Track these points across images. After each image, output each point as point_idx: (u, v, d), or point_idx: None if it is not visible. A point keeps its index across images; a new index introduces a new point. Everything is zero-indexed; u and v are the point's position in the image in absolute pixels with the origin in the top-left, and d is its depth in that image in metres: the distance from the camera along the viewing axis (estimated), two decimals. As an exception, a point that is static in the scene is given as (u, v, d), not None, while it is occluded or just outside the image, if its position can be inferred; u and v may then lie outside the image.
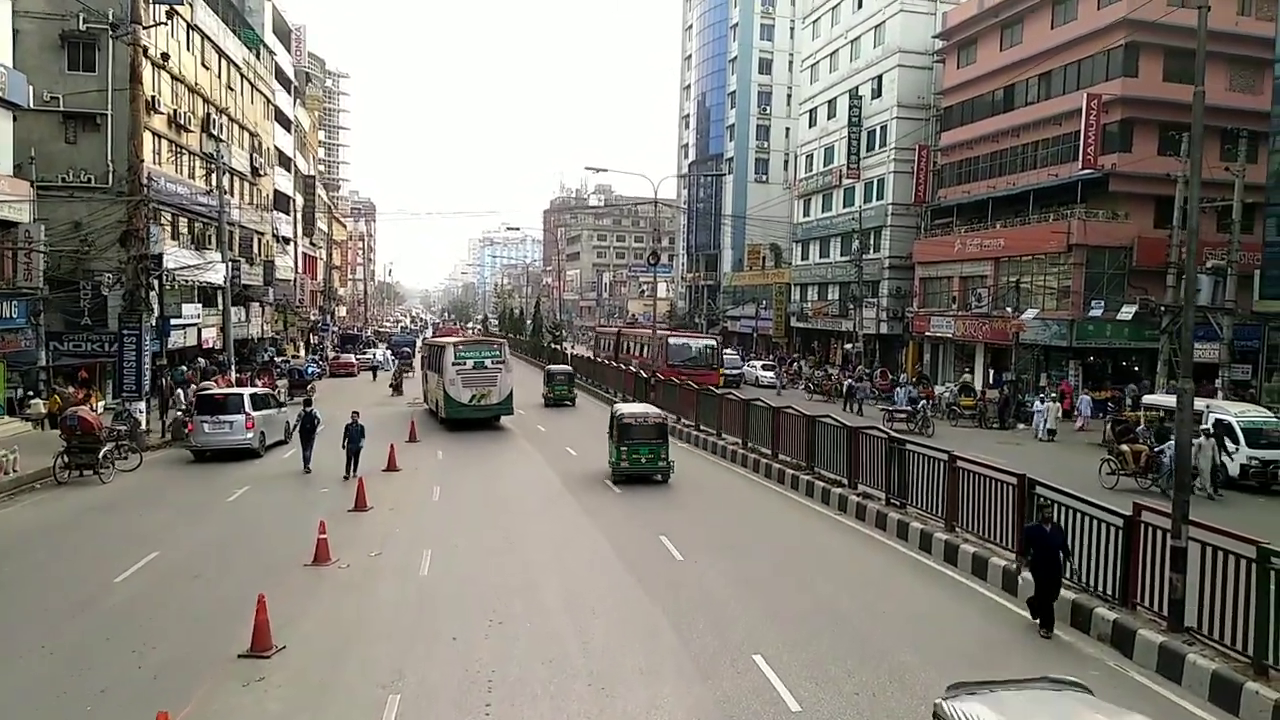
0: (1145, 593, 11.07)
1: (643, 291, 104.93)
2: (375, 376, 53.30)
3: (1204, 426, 21.83)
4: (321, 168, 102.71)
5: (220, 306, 38.32)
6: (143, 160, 27.87)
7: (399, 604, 12.49)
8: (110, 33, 28.71)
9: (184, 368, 37.60)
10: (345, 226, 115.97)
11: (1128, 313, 35.89)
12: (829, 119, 62.01)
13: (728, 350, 53.56)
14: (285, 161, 64.80)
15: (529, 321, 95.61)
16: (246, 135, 51.53)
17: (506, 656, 10.48)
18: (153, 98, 34.81)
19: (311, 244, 78.71)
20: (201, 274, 36.50)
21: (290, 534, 16.00)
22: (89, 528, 16.98)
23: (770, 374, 51.90)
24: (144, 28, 27.90)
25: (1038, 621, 11.44)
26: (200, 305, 41.55)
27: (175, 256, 34.99)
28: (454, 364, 30.76)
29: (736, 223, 75.51)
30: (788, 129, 75.89)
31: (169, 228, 36.93)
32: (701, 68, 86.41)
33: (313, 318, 76.84)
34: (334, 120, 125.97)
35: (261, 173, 54.57)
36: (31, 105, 30.63)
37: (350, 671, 10.09)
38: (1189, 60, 34.38)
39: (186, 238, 40.35)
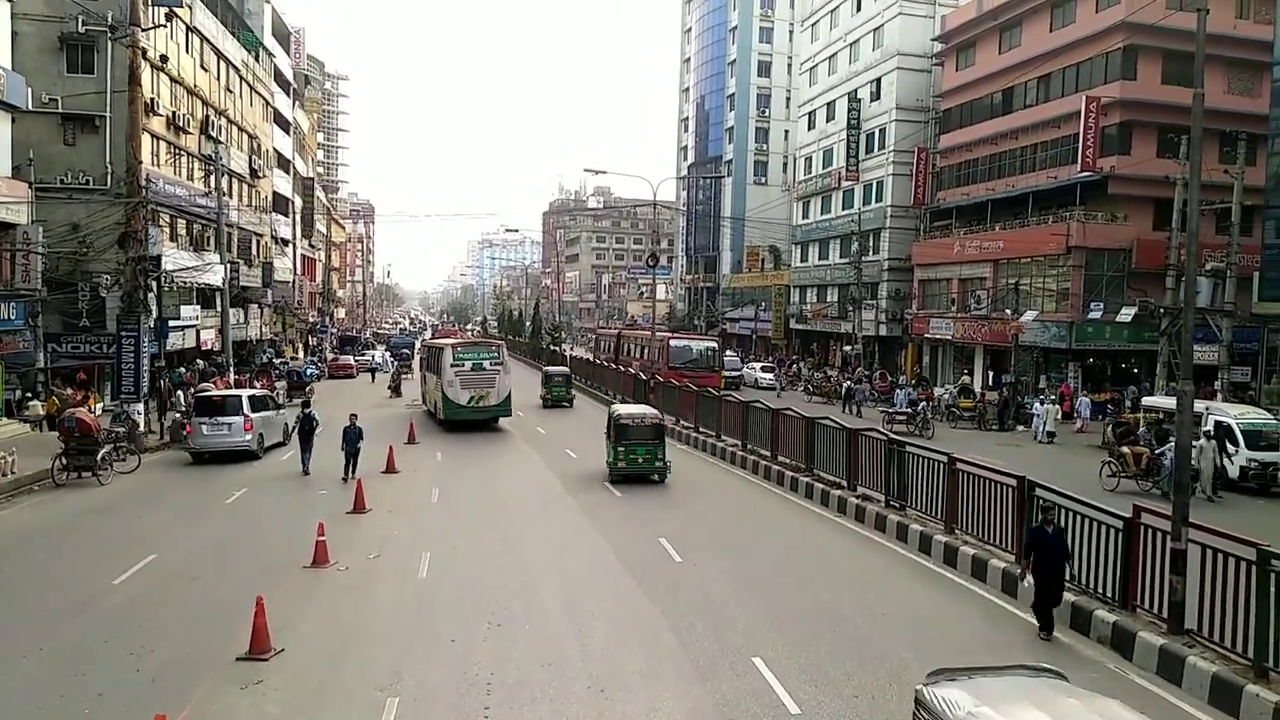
0: (1145, 595, 11.06)
1: (642, 293, 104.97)
2: (374, 378, 53.27)
3: (1205, 428, 21.83)
4: (320, 169, 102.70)
5: (219, 308, 38.32)
6: (141, 162, 27.86)
7: (397, 606, 12.46)
8: (109, 35, 28.73)
9: (182, 369, 37.58)
10: (344, 228, 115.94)
11: (1127, 315, 35.91)
12: (828, 121, 62.05)
13: (727, 352, 53.55)
14: (284, 163, 64.78)
15: (528, 323, 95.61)
16: (245, 137, 51.52)
17: (505, 659, 10.46)
18: (151, 100, 34.79)
19: (310, 246, 78.68)
20: (200, 275, 36.48)
21: (289, 536, 15.97)
22: (87, 529, 16.95)
23: (770, 376, 51.93)
24: (143, 30, 27.88)
25: (1038, 624, 11.41)
26: (199, 307, 41.52)
27: (174, 258, 34.97)
28: (452, 365, 30.79)
29: (735, 225, 75.53)
30: (787, 131, 75.95)
31: (167, 229, 36.92)
32: (700, 70, 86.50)
33: (311, 319, 76.80)
34: (333, 122, 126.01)
35: (260, 174, 54.56)
36: (30, 107, 30.61)
37: (348, 674, 10.07)
38: (1187, 63, 34.48)
39: (185, 239, 40.34)
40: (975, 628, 11.87)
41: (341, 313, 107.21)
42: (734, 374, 49.17)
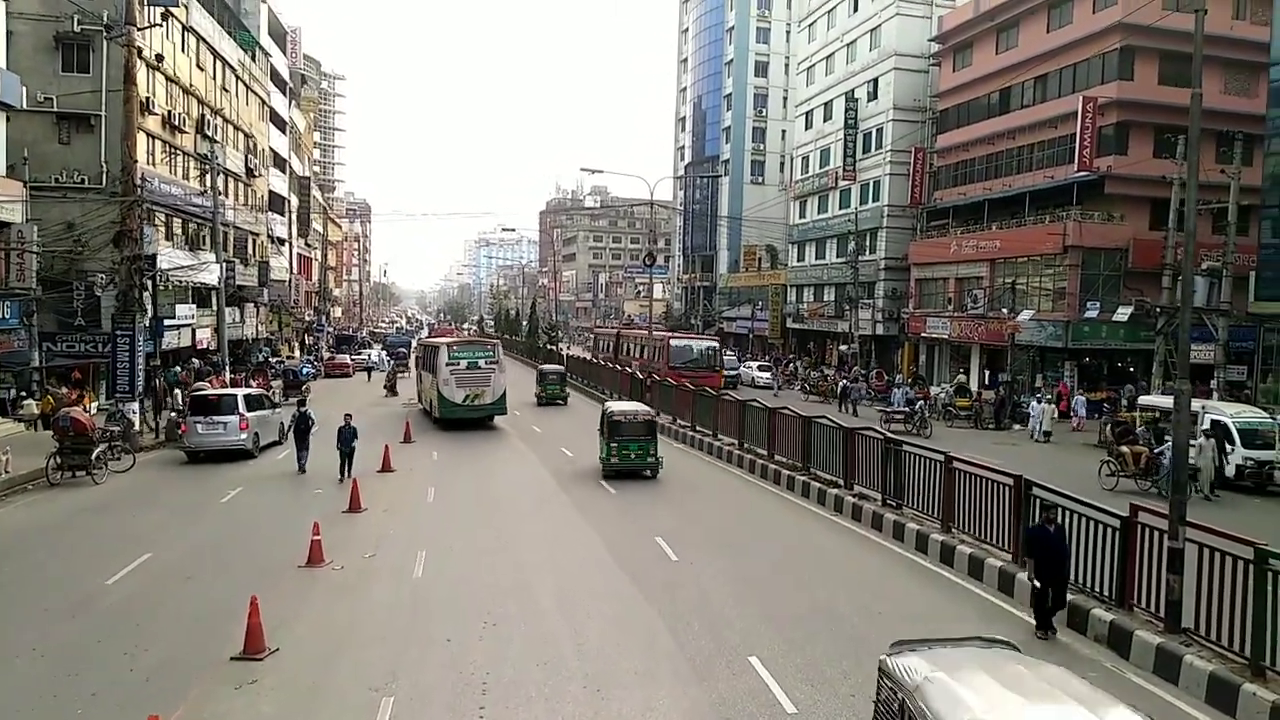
0: (1142, 594, 11.05)
1: (639, 292, 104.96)
2: (370, 377, 53.22)
3: (1203, 427, 21.84)
4: (317, 169, 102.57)
5: (215, 307, 38.25)
6: (136, 161, 27.79)
7: (393, 606, 12.42)
8: (104, 34, 28.58)
9: (178, 368, 37.50)
10: (340, 227, 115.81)
11: (1123, 314, 35.95)
12: (825, 121, 62.08)
13: (726, 351, 53.54)
14: (280, 163, 64.69)
15: (525, 323, 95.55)
16: (241, 136, 51.45)
17: (501, 658, 10.43)
18: (147, 99, 34.71)
19: (307, 245, 78.61)
20: (196, 274, 36.42)
21: (284, 535, 15.92)
22: (82, 529, 16.88)
23: (767, 375, 51.93)
24: (138, 29, 27.81)
25: (1035, 623, 11.40)
26: (195, 306, 41.46)
27: (169, 257, 34.89)
28: (448, 364, 30.81)
29: (732, 224, 75.58)
30: (784, 131, 76.00)
31: (163, 228, 36.82)
32: (698, 70, 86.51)
33: (308, 318, 76.74)
34: (329, 122, 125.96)
35: (256, 174, 54.47)
36: (25, 106, 30.55)
37: (343, 674, 10.03)
38: (1184, 64, 34.62)
39: (181, 238, 40.27)
40: (972, 627, 11.80)
41: (338, 312, 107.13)
42: (731, 373, 49.15)
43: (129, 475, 22.02)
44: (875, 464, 17.93)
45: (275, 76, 62.80)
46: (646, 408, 24.25)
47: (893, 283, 54.11)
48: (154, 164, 36.64)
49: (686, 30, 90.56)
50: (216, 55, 45.93)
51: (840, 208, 59.55)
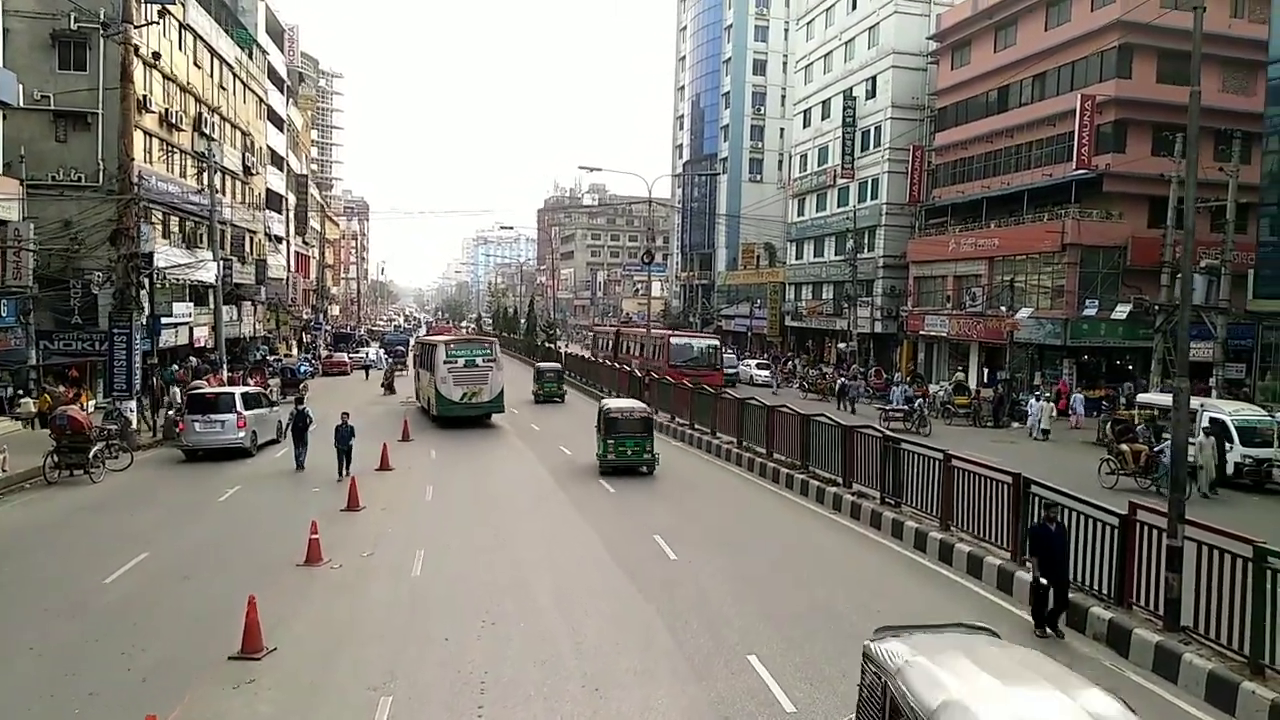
0: (1141, 592, 11.04)
1: (637, 290, 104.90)
2: (368, 375, 53.19)
3: (1203, 425, 21.84)
4: (314, 166, 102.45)
5: (212, 305, 38.17)
6: (133, 159, 27.72)
7: (391, 604, 12.40)
8: (101, 32, 28.50)
9: (175, 366, 37.44)
10: (338, 225, 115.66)
11: (1122, 312, 35.96)
12: (823, 119, 62.04)
13: (725, 350, 53.49)
14: (278, 160, 64.59)
15: (523, 321, 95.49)
16: (239, 134, 51.36)
17: (499, 657, 10.41)
18: (144, 97, 34.66)
19: (304, 243, 78.50)
20: (193, 272, 36.35)
21: (282, 534, 15.89)
22: (79, 528, 16.84)
23: (765, 373, 51.91)
24: (135, 27, 27.78)
25: (1034, 623, 11.37)
26: (192, 304, 41.40)
27: (166, 255, 34.82)
28: (445, 362, 30.81)
29: (731, 222, 75.53)
30: (782, 129, 75.95)
31: (160, 226, 36.75)
32: (696, 69, 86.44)
33: (305, 316, 76.63)
34: (327, 119, 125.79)
35: (254, 171, 54.38)
36: (21, 104, 30.43)
37: (341, 673, 10.00)
38: (1182, 62, 34.63)
39: (178, 236, 40.19)
40: (970, 625, 11.83)
41: (336, 310, 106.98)
42: (730, 371, 49.11)
43: (126, 474, 21.98)
44: (874, 462, 17.92)
45: (273, 74, 62.69)
46: (643, 405, 24.43)
47: (891, 281, 54.10)
48: (151, 162, 36.56)
49: (685, 28, 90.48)
50: (214, 53, 45.84)
51: (839, 206, 59.53)
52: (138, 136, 31.94)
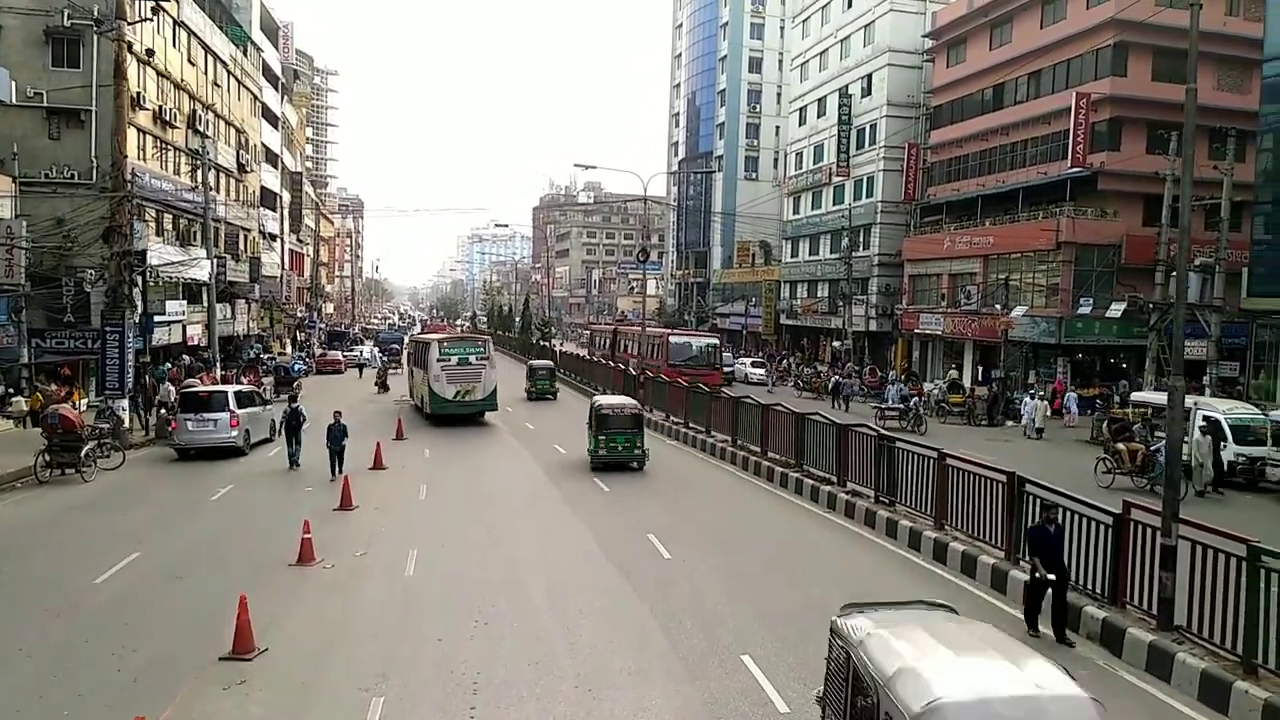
0: (1135, 591, 11.02)
1: (632, 289, 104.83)
2: (362, 374, 53.08)
3: (1199, 424, 21.85)
4: (309, 164, 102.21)
5: (206, 303, 38.02)
6: (126, 156, 27.56)
7: (384, 604, 12.35)
8: (95, 28, 28.36)
9: (168, 365, 37.31)
10: (333, 223, 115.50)
11: (1116, 310, 35.99)
12: (819, 117, 61.99)
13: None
14: (272, 158, 64.42)
15: (518, 319, 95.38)
16: (233, 132, 51.18)
17: (492, 657, 10.36)
18: (138, 94, 34.50)
19: (299, 240, 78.34)
20: (186, 270, 36.22)
21: (274, 533, 15.82)
22: (70, 527, 16.76)
23: (760, 371, 51.88)
24: (129, 24, 27.60)
25: (1026, 623, 11.34)
26: (185, 302, 41.24)
27: (160, 253, 34.69)
28: (439, 360, 30.82)
29: (726, 220, 75.45)
30: (778, 127, 75.86)
31: (153, 224, 36.61)
32: (691, 66, 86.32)
33: (299, 314, 76.46)
34: (322, 117, 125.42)
35: (248, 169, 54.21)
36: (14, 101, 30.35)
37: (333, 673, 9.96)
38: (1177, 60, 34.71)
39: (171, 234, 40.03)
40: (965, 624, 11.80)
41: (330, 308, 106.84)
42: (726, 370, 49.04)
43: (118, 473, 21.88)
44: (868, 461, 17.91)
45: (267, 72, 62.50)
46: (634, 401, 24.72)
47: (886, 279, 54.08)
48: (144, 159, 36.40)
49: (680, 26, 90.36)
50: (208, 50, 45.66)
51: (834, 204, 59.49)
52: (131, 134, 31.76)
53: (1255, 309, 33.55)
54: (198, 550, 15.11)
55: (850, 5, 58.01)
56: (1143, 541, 10.93)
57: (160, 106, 38.21)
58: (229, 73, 50.07)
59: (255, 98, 57.57)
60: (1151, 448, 21.72)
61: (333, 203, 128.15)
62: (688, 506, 18.96)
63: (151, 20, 35.20)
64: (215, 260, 37.00)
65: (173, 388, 29.87)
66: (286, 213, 70.00)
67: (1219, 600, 9.66)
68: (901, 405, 34.02)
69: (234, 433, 24.22)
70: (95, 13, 28.16)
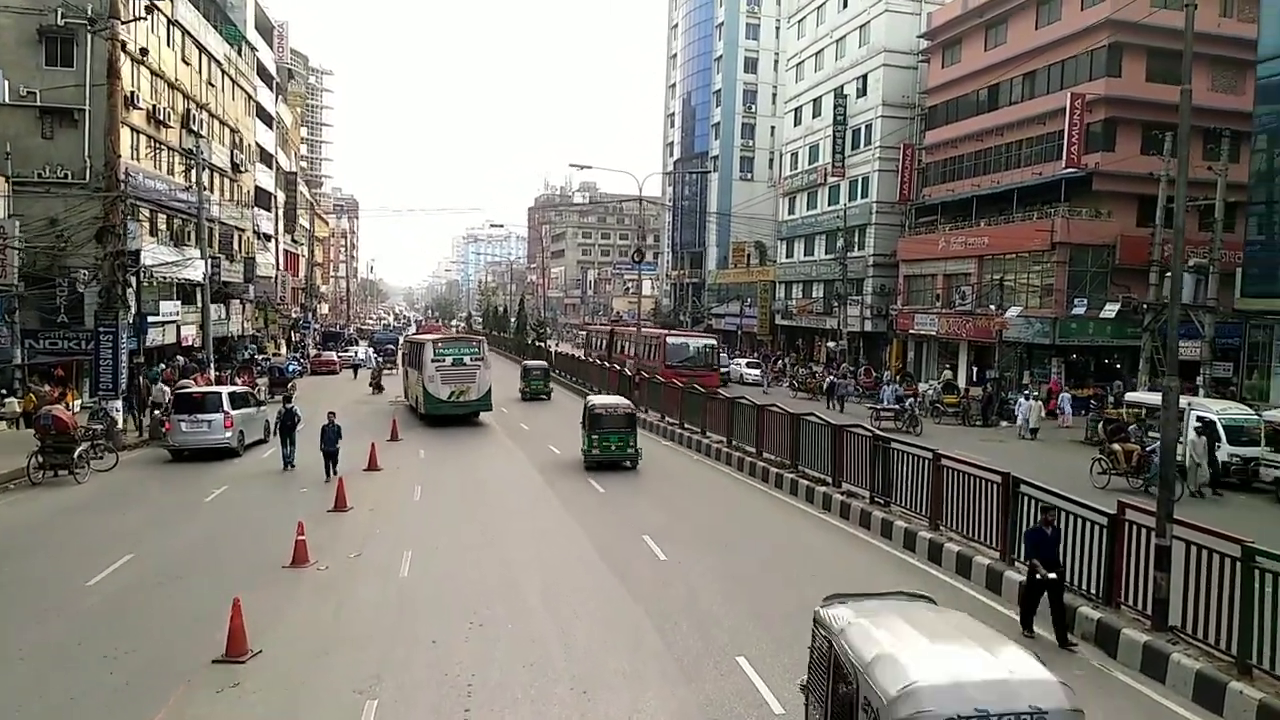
0: (1129, 592, 11.02)
1: (627, 289, 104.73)
2: (356, 374, 52.93)
3: (1194, 425, 21.87)
4: (304, 164, 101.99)
5: (200, 304, 37.93)
6: (120, 156, 27.51)
7: (378, 606, 12.31)
8: (88, 28, 28.29)
9: (162, 365, 37.20)
10: (328, 223, 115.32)
11: (1111, 310, 36.05)
12: (814, 118, 62.03)
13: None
14: (267, 158, 64.27)
15: (513, 319, 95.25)
16: (227, 131, 51.05)
17: (487, 659, 10.33)
18: (131, 93, 34.38)
19: (293, 241, 78.14)
20: (180, 271, 36.13)
21: (268, 535, 15.76)
22: (63, 529, 16.69)
23: (756, 372, 51.85)
24: (123, 23, 27.52)
25: (1020, 623, 11.34)
26: (179, 302, 41.13)
27: (153, 253, 34.53)
28: (433, 360, 30.80)
29: (721, 220, 75.46)
30: (773, 127, 75.89)
31: (147, 224, 36.48)
32: (687, 66, 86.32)
33: (294, 315, 76.27)
34: (316, 117, 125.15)
35: (242, 169, 54.08)
36: (7, 100, 30.24)
37: (327, 676, 9.92)
38: (1172, 61, 34.76)
39: (165, 234, 39.92)
40: (960, 625, 11.79)
41: (325, 308, 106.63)
42: (721, 370, 48.96)
43: (112, 474, 21.80)
44: (863, 461, 17.91)
45: (262, 71, 62.33)
46: (627, 401, 24.86)
47: (881, 279, 54.13)
48: (138, 159, 36.29)
49: (676, 26, 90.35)
50: (202, 49, 45.54)
51: (829, 204, 59.54)
52: (125, 133, 31.69)
53: (1249, 309, 33.63)
54: (191, 552, 15.06)
55: (845, 5, 58.06)
56: (1137, 542, 10.93)
57: (154, 106, 38.09)
58: (223, 72, 49.94)
59: (250, 97, 57.43)
60: (1147, 448, 21.75)
61: (328, 203, 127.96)
62: (683, 507, 18.94)
63: (145, 19, 35.11)
64: (209, 260, 36.91)
65: (166, 388, 29.80)
66: (281, 213, 69.80)
67: (1214, 601, 9.66)
68: (897, 406, 34.03)
69: (228, 434, 24.15)
70: (89, 12, 28.07)
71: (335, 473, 20.83)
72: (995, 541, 13.42)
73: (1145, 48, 38.24)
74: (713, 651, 10.60)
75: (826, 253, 58.45)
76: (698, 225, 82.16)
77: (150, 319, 33.76)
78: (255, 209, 58.53)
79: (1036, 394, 34.97)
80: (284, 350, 63.31)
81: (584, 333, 72.72)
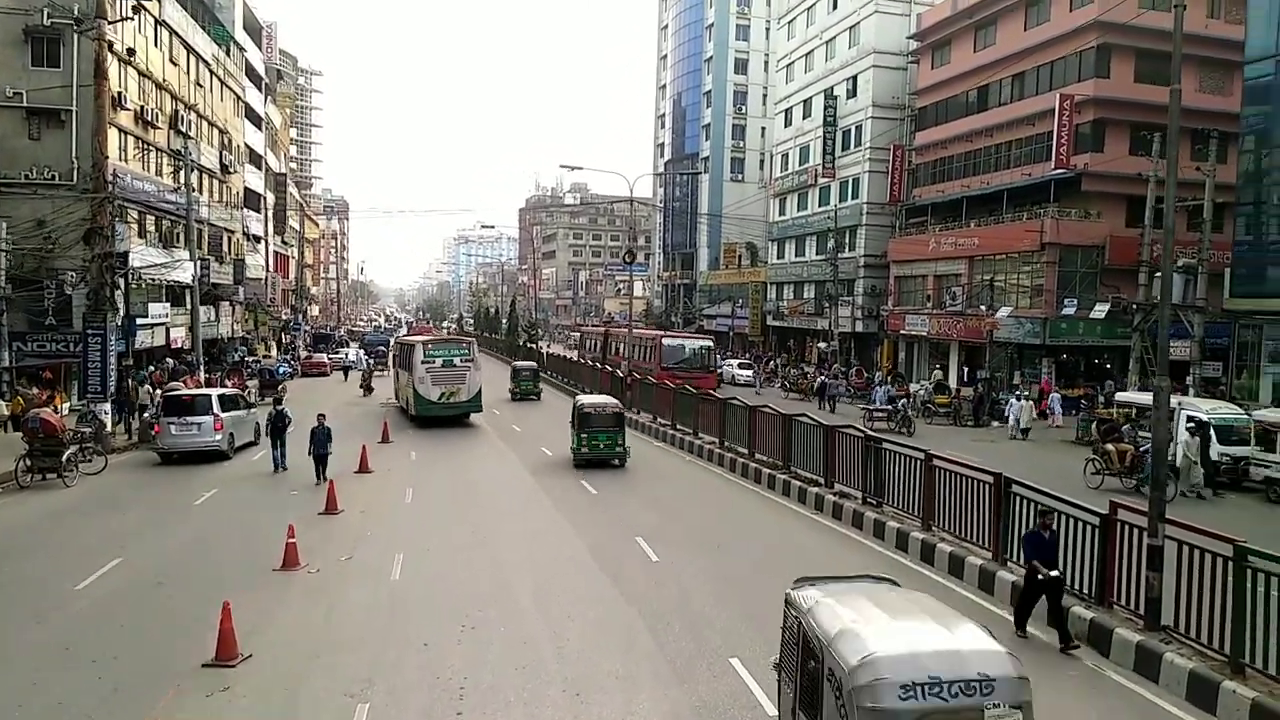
0: (1122, 591, 11.04)
1: (619, 290, 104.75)
2: (347, 376, 52.81)
3: (1187, 425, 21.94)
4: (293, 165, 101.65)
5: (189, 306, 37.72)
6: (107, 157, 27.30)
7: (369, 609, 12.24)
8: (75, 28, 28.09)
9: (152, 367, 36.99)
10: (318, 224, 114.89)
11: (1100, 311, 36.18)
12: (804, 119, 62.12)
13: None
14: (256, 159, 64.02)
15: (504, 321, 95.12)
16: (216, 132, 50.82)
17: (479, 662, 10.28)
18: (119, 94, 34.19)
19: (283, 242, 77.88)
20: (169, 272, 35.89)
21: (259, 538, 15.67)
22: (51, 533, 16.54)
23: (748, 373, 51.83)
24: (110, 23, 27.34)
25: (1014, 623, 11.34)
26: (169, 304, 40.89)
27: (142, 255, 34.37)
28: (423, 362, 30.75)
29: (712, 221, 75.53)
30: (763, 128, 76.01)
31: (135, 225, 36.30)
32: (677, 67, 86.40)
33: (284, 317, 75.99)
34: (306, 118, 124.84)
35: (231, 170, 53.84)
36: (-8, 101, 29.97)
37: (318, 680, 9.85)
38: (1160, 62, 34.93)
39: (154, 236, 39.70)
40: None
41: (315, 310, 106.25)
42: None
43: (100, 477, 21.65)
44: (856, 462, 17.90)
45: (250, 72, 62.11)
46: (615, 400, 25.21)
47: (872, 280, 54.24)
48: (126, 160, 36.09)
49: (666, 27, 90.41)
50: (190, 50, 45.33)
51: (820, 205, 59.63)
52: (112, 134, 31.51)
53: (1237, 309, 33.79)
54: (181, 555, 14.96)
55: (835, 7, 58.16)
56: (1129, 542, 10.95)
57: (142, 107, 37.89)
58: (211, 73, 49.73)
59: (238, 98, 57.21)
60: (1141, 449, 21.79)
61: (317, 204, 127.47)
62: (675, 508, 18.92)
63: (132, 19, 34.90)
64: (199, 262, 36.69)
65: (156, 390, 29.63)
66: (270, 214, 69.59)
67: (1206, 600, 9.68)
68: (890, 407, 34.06)
69: (218, 436, 24.01)
70: (75, 12, 27.89)
71: (325, 475, 20.72)
72: (987, 542, 13.43)
73: (1133, 49, 38.42)
74: (705, 653, 10.58)
75: (817, 254, 58.50)
76: (689, 226, 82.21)
77: (139, 321, 33.57)
78: (244, 210, 58.30)
79: (1027, 394, 35.07)
80: (274, 352, 63.03)
81: (578, 334, 72.64)
